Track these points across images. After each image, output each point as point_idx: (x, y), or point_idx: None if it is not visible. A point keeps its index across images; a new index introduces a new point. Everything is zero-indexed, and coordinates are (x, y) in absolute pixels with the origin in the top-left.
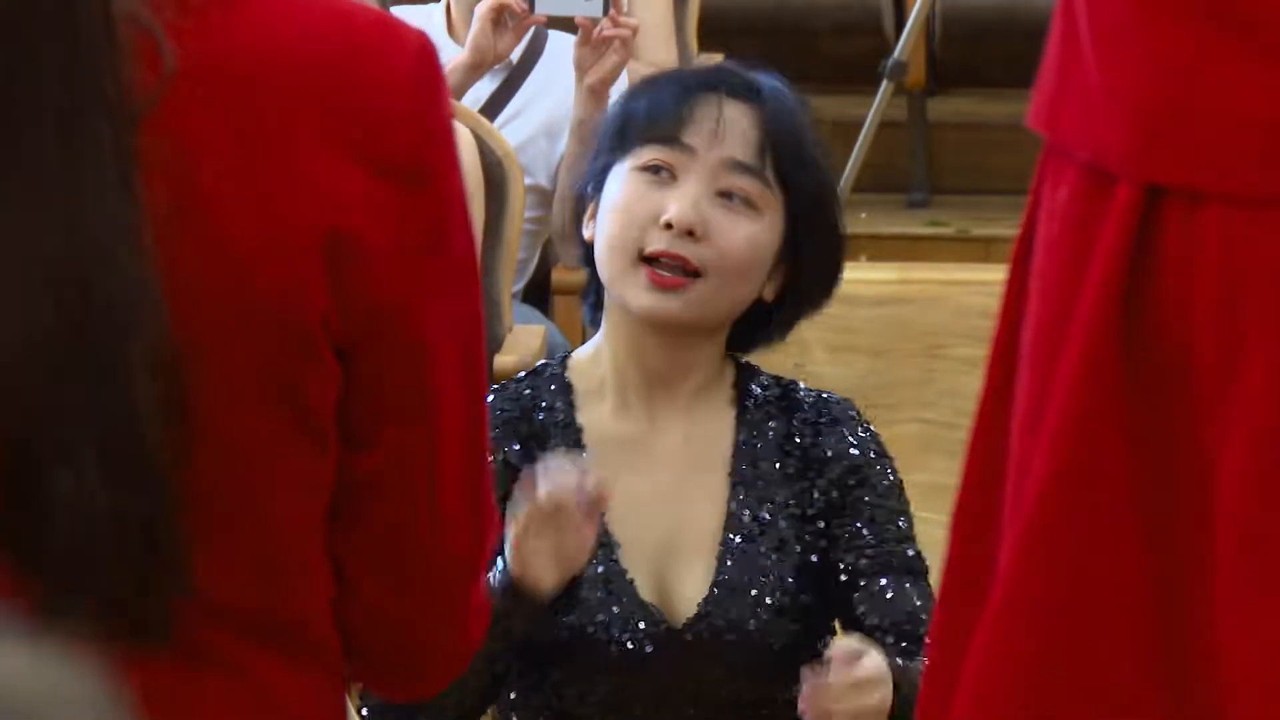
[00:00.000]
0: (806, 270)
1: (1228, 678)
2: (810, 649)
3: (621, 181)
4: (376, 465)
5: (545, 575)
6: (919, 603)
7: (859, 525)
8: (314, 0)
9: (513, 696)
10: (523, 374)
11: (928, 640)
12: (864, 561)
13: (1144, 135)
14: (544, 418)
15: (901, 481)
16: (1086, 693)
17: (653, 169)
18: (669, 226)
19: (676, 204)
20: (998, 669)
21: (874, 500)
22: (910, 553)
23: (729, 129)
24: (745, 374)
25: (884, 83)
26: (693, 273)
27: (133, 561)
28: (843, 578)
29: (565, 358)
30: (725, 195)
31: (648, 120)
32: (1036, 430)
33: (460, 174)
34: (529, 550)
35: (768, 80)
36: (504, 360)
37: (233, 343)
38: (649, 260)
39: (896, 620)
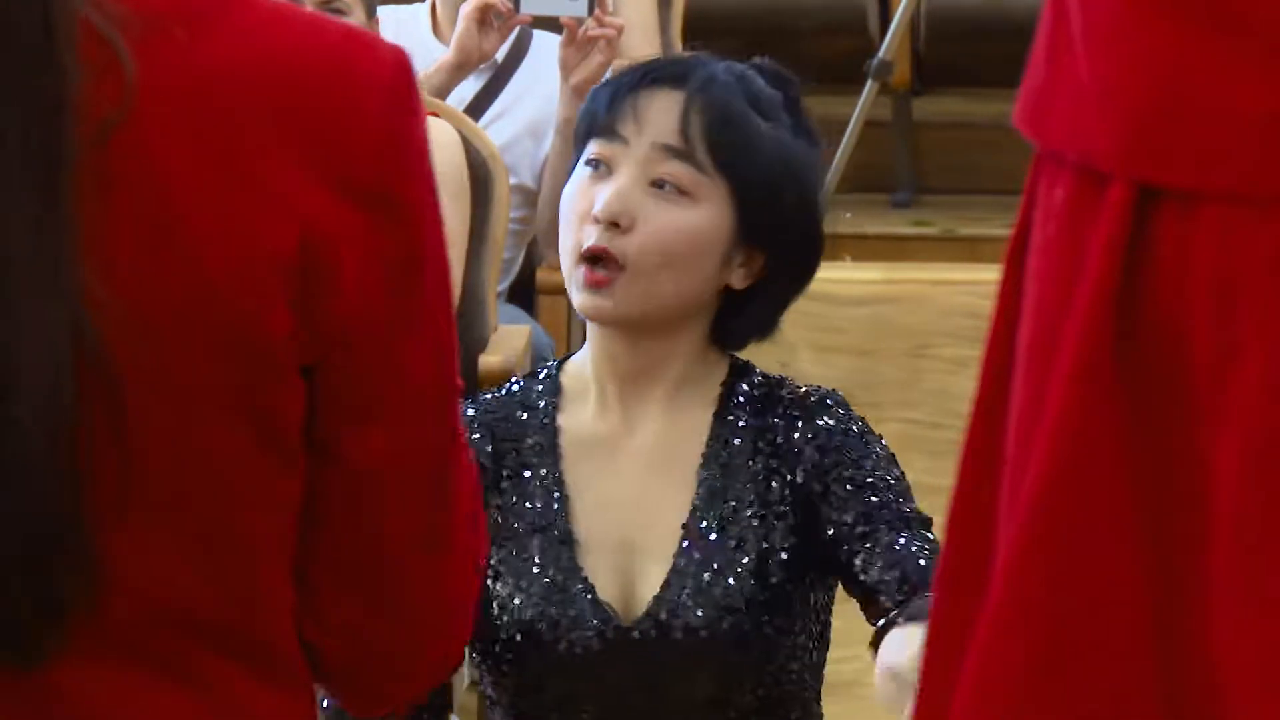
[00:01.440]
0: (775, 254)
1: (1223, 678)
2: (767, 649)
3: (571, 180)
4: (341, 476)
5: None
6: (914, 548)
7: (843, 493)
8: (288, 16)
9: (490, 694)
10: (522, 376)
11: (924, 641)
12: (858, 527)
13: (1136, 134)
14: (526, 417)
15: (892, 455)
16: (1083, 693)
17: (593, 164)
18: (597, 220)
19: (602, 195)
20: (996, 669)
21: (854, 468)
22: (907, 509)
23: (657, 117)
24: (737, 373)
25: (869, 82)
26: (619, 267)
27: (17, 584)
28: (842, 547)
29: (564, 360)
30: (657, 184)
31: (586, 118)
32: (1032, 431)
33: (434, 189)
34: None
35: (710, 68)
36: (489, 360)
37: (199, 362)
38: (588, 259)
39: (893, 569)
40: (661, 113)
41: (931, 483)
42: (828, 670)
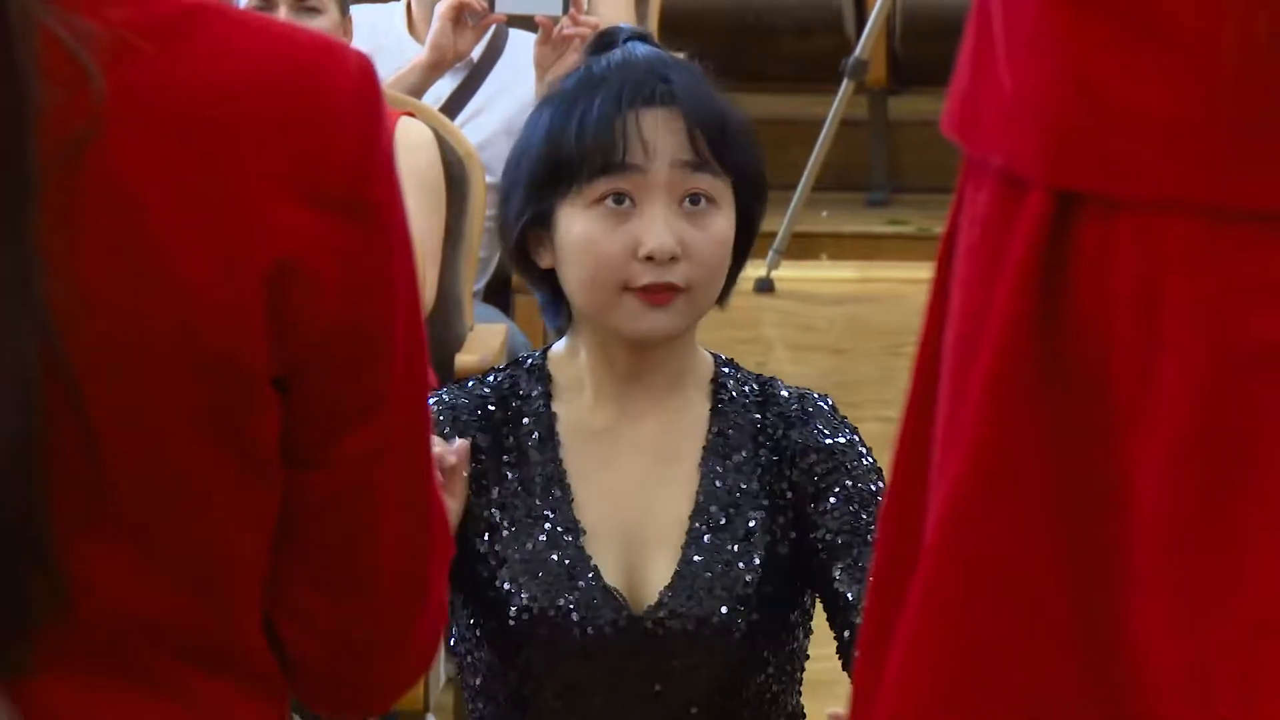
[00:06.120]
0: (746, 215)
1: (1146, 678)
2: (772, 640)
3: (581, 222)
4: (319, 483)
5: None
6: None
7: (834, 503)
8: (255, 28)
9: (477, 682)
10: (504, 364)
11: (858, 641)
12: (841, 537)
13: (1055, 141)
14: (521, 405)
15: (880, 469)
16: (1003, 692)
17: (614, 199)
18: (650, 258)
19: (650, 234)
20: (916, 669)
21: (850, 481)
22: None
23: (664, 138)
24: (724, 370)
25: (845, 81)
26: (679, 290)
27: None
28: (821, 554)
29: (546, 350)
30: (691, 200)
31: (580, 154)
32: (953, 434)
33: (400, 193)
34: None
35: (680, 74)
36: (465, 359)
37: (173, 378)
38: (646, 290)
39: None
40: (668, 133)
41: None
42: (807, 668)
